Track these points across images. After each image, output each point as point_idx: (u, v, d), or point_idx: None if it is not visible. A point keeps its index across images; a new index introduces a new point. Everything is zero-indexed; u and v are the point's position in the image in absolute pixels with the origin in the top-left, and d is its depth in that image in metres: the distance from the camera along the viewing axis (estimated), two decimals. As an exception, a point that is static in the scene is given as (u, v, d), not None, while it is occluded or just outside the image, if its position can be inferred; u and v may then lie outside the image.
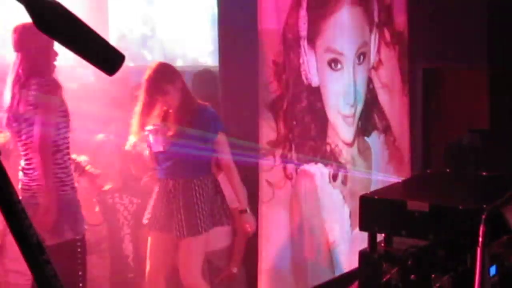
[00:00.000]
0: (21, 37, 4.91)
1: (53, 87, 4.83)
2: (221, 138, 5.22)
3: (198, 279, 5.42)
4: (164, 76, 5.25)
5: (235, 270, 6.07)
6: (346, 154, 5.29)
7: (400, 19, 5.69)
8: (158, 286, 5.54)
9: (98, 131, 5.86)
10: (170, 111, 5.24)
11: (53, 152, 4.91)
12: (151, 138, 5.27)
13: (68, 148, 4.98)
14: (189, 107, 5.25)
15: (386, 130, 5.64)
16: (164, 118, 5.24)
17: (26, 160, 4.93)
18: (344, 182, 5.31)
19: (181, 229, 5.19)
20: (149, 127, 5.26)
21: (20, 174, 4.92)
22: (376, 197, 3.03)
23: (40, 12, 1.34)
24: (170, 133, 5.18)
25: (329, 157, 5.15)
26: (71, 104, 4.99)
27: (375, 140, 5.56)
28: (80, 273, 5.17)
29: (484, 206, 2.74)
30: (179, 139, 5.14)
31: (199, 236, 5.27)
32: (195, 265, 5.36)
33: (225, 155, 5.23)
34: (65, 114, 4.94)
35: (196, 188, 5.27)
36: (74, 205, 5.06)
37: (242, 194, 5.19)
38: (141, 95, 5.19)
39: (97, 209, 5.98)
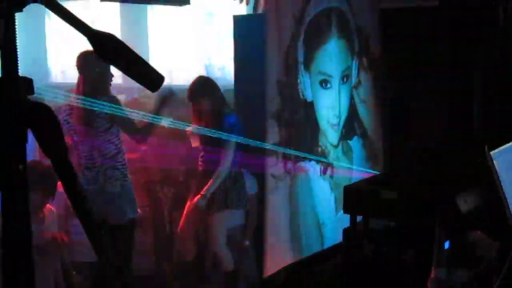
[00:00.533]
0: (84, 62, 4.91)
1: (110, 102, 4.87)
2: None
3: (224, 246, 5.50)
4: (199, 88, 5.32)
5: (247, 242, 6.08)
6: (333, 153, 5.29)
7: (376, 49, 5.69)
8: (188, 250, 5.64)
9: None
10: (202, 115, 5.27)
11: (116, 153, 4.95)
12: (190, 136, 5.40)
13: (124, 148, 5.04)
14: (216, 113, 5.26)
15: (364, 135, 5.64)
16: (198, 120, 5.29)
17: (87, 158, 4.97)
18: (331, 175, 5.31)
19: (224, 202, 5.28)
20: (188, 128, 5.37)
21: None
22: (356, 187, 3.02)
23: (99, 42, 1.35)
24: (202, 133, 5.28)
25: (320, 156, 5.15)
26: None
27: (355, 143, 5.56)
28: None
29: (440, 195, 2.73)
30: (208, 138, 5.22)
31: (223, 214, 5.35)
32: (222, 234, 5.46)
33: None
34: None
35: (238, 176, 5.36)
36: (131, 192, 5.11)
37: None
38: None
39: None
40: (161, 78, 1.39)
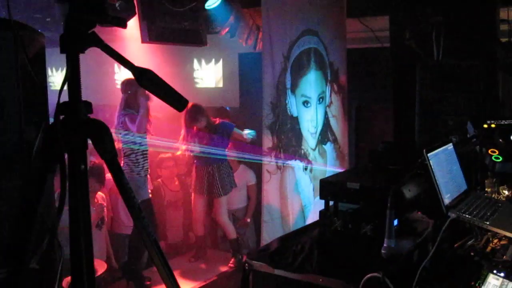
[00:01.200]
0: (125, 87, 4.95)
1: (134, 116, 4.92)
2: (235, 130, 5.33)
3: (227, 221, 5.53)
4: (196, 111, 5.30)
5: (248, 220, 6.07)
6: (312, 154, 5.28)
7: (343, 78, 5.69)
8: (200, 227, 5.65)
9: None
10: (201, 129, 5.34)
11: (129, 153, 5.00)
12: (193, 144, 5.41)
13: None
14: (211, 125, 5.37)
15: (335, 141, 5.63)
16: (199, 133, 5.29)
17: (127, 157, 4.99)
18: (310, 171, 5.30)
19: (218, 192, 5.29)
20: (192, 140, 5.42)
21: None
22: (329, 180, 3.00)
23: (139, 75, 1.35)
24: (203, 142, 5.25)
25: (303, 156, 5.14)
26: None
27: (329, 147, 5.55)
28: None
29: (391, 186, 2.72)
30: (208, 145, 5.25)
31: (225, 196, 5.47)
32: (225, 213, 5.48)
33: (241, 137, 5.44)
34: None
35: (223, 169, 5.37)
36: (136, 184, 5.12)
37: None
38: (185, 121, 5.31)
39: (176, 182, 6.04)
40: (185, 101, 1.39)
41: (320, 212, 2.86)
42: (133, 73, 1.33)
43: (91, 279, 1.37)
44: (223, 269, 5.58)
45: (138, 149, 5.03)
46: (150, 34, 5.30)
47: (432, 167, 2.56)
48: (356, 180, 2.80)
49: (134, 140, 4.98)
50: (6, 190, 1.34)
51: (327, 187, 2.82)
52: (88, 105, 1.34)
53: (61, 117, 1.31)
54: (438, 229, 2.57)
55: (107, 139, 1.37)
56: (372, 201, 2.68)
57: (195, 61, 7.36)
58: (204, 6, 5.84)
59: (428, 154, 2.57)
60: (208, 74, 7.21)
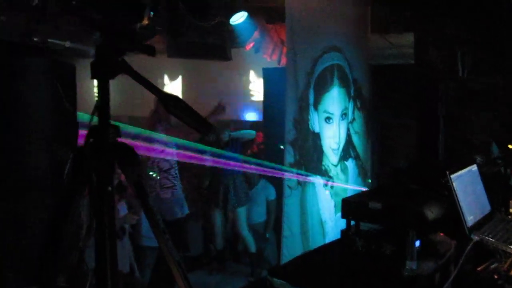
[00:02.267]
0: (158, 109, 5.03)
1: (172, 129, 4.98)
2: (234, 135, 5.50)
3: (247, 234, 5.56)
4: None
5: (268, 235, 6.08)
6: (333, 170, 5.27)
7: (366, 95, 5.68)
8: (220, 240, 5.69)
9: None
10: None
11: (168, 168, 5.03)
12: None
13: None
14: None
15: (357, 157, 5.61)
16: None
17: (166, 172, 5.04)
18: (331, 187, 5.29)
19: (234, 204, 5.33)
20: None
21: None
22: (351, 199, 3.00)
23: (167, 101, 1.38)
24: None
25: (323, 173, 5.14)
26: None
27: (350, 163, 5.53)
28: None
29: (413, 206, 2.71)
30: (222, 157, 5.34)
31: (243, 208, 5.63)
32: (245, 225, 5.52)
33: None
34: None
35: (238, 181, 5.41)
36: (181, 198, 5.15)
37: None
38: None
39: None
40: (210, 126, 1.42)
41: (342, 231, 2.85)
42: (161, 99, 1.37)
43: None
44: (243, 283, 5.59)
45: (175, 162, 5.09)
46: (176, 49, 5.40)
47: (455, 188, 2.56)
48: (378, 200, 2.79)
49: (172, 153, 5.04)
50: (38, 209, 1.39)
51: (349, 206, 2.81)
52: (116, 129, 1.39)
53: (91, 140, 1.36)
54: (460, 251, 2.55)
55: (134, 163, 1.41)
56: (394, 221, 2.67)
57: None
58: (229, 21, 5.92)
59: (452, 176, 2.56)
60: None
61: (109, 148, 1.36)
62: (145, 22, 1.35)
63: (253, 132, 5.66)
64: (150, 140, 4.94)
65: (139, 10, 1.34)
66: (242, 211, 5.59)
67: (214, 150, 5.42)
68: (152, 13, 1.36)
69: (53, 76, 1.37)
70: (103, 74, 1.34)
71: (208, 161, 5.57)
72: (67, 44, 8.16)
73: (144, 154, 4.92)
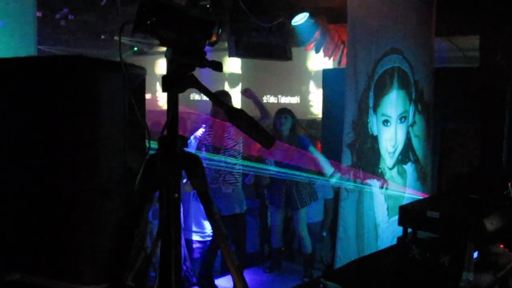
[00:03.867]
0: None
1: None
2: (311, 150, 5.47)
3: (306, 235, 5.59)
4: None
5: (324, 234, 6.10)
6: (388, 174, 5.21)
7: (428, 98, 5.57)
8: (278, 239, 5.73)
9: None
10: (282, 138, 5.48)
11: (234, 164, 5.13)
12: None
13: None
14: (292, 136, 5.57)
15: (416, 161, 5.52)
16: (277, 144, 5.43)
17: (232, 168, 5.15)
18: (386, 189, 5.24)
19: (296, 205, 5.36)
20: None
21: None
22: (409, 207, 2.99)
23: (231, 114, 1.44)
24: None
25: (379, 176, 5.10)
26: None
27: (409, 167, 5.44)
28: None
29: (472, 216, 2.68)
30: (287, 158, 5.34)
31: (304, 209, 5.62)
32: (305, 226, 5.55)
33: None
34: None
35: (301, 182, 5.45)
36: (241, 194, 5.24)
37: None
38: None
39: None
40: (272, 138, 1.47)
41: (398, 238, 2.85)
42: (225, 112, 1.43)
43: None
44: (295, 282, 5.64)
45: (240, 158, 5.20)
46: (238, 49, 5.48)
47: (517, 202, 2.50)
48: (437, 208, 2.77)
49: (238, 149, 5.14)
50: (109, 214, 1.49)
51: (406, 214, 2.80)
52: (184, 140, 1.46)
53: (161, 150, 1.44)
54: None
55: (200, 172, 1.48)
56: (452, 231, 2.64)
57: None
58: (290, 21, 5.95)
59: (514, 188, 2.51)
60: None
61: (178, 158, 1.44)
62: (214, 39, 1.42)
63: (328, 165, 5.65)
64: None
65: (209, 28, 1.41)
66: (303, 212, 5.63)
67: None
68: (220, 30, 1.42)
69: (127, 88, 1.46)
70: (173, 87, 1.41)
71: (270, 170, 5.65)
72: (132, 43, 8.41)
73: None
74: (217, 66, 1.41)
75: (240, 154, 5.20)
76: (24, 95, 1.58)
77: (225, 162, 5.10)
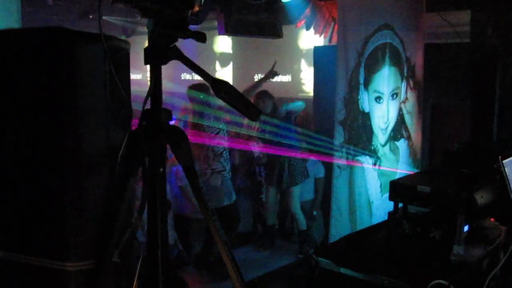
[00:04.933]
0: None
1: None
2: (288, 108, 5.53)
3: (299, 212, 5.60)
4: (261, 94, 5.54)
5: (315, 213, 6.11)
6: (381, 151, 5.21)
7: (419, 74, 5.55)
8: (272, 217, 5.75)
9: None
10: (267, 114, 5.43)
11: (222, 151, 5.10)
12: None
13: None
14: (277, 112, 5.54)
15: (409, 138, 5.52)
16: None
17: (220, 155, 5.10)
18: (379, 167, 5.24)
19: (289, 182, 5.35)
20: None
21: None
22: (400, 182, 2.98)
23: (216, 86, 1.41)
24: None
25: (372, 152, 5.09)
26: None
27: (402, 143, 5.44)
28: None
29: (462, 191, 2.67)
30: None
31: (298, 186, 5.65)
32: (298, 203, 5.56)
33: None
34: None
35: (294, 159, 5.44)
36: (230, 186, 5.20)
37: None
38: None
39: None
40: (258, 111, 1.44)
41: (389, 213, 2.84)
42: (211, 84, 1.40)
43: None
44: (290, 260, 5.66)
45: (226, 148, 5.14)
46: (227, 27, 5.41)
47: (508, 174, 2.50)
48: (427, 183, 2.76)
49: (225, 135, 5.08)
50: (93, 189, 1.46)
51: (397, 189, 2.80)
52: (168, 113, 1.44)
53: (144, 123, 1.41)
54: (510, 237, 2.51)
55: (185, 146, 1.46)
56: (443, 205, 2.64)
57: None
58: (280, -1, 5.88)
59: (504, 161, 2.50)
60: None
61: (162, 131, 1.42)
62: (196, 9, 1.38)
63: (303, 103, 5.67)
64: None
65: (191, -2, 1.37)
66: (296, 190, 5.64)
67: (267, 130, 5.46)
68: (202, 0, 1.39)
69: (109, 61, 1.43)
70: (156, 60, 1.38)
71: (256, 148, 5.63)
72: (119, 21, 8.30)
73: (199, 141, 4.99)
74: (201, 37, 1.37)
75: (225, 141, 5.15)
76: (0, 68, 1.54)
77: (212, 151, 5.05)
